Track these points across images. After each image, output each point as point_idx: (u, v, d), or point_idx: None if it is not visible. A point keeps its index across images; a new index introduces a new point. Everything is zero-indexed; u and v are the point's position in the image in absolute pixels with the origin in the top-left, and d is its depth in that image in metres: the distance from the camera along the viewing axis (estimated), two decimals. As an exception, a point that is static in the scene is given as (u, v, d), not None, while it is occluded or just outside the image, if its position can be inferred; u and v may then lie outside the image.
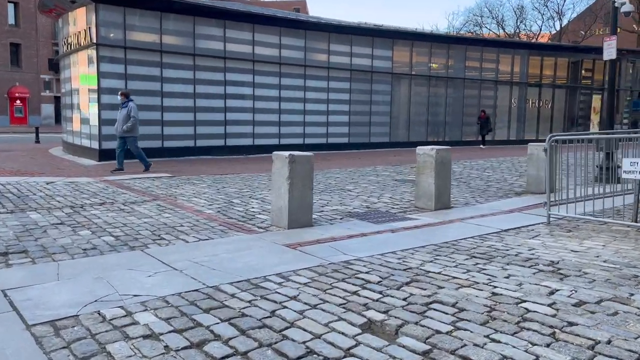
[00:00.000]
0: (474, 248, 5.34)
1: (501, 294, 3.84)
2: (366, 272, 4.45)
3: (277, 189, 6.40)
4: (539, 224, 6.68)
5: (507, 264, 4.69)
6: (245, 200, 8.35)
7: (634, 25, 58.10)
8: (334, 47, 20.48)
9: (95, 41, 15.38)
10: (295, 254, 5.06)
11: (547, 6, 60.50)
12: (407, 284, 4.12)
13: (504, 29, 58.94)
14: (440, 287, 4.02)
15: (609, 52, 11.03)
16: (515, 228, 6.39)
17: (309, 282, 4.17)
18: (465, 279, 4.23)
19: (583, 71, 30.36)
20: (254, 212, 7.35)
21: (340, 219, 6.99)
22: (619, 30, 46.76)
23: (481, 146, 23.46)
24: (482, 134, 23.62)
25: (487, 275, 4.35)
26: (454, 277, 4.28)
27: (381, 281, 4.20)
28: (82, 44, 16.35)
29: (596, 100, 31.54)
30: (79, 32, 16.57)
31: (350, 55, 20.90)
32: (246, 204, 7.99)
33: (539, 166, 9.43)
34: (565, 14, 64.88)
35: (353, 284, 4.12)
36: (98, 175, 11.25)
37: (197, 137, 17.31)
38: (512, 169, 13.89)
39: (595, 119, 31.76)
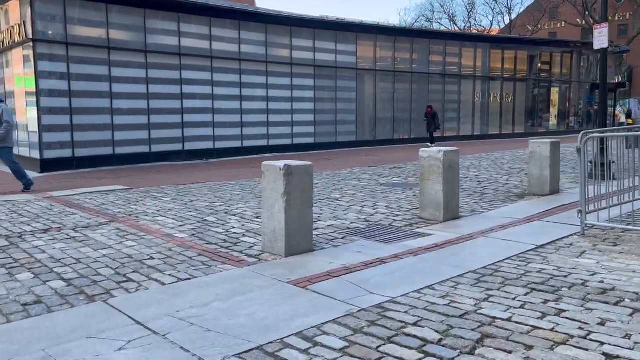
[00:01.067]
0: (523, 275, 4.34)
1: (618, 356, 2.83)
2: (414, 324, 3.35)
3: (270, 207, 5.23)
4: (572, 235, 5.78)
5: (584, 300, 3.70)
6: (222, 217, 7.10)
7: (578, 19, 59.78)
8: (297, 42, 19.32)
9: (31, 37, 13.63)
10: (309, 298, 3.91)
11: (496, 1, 61.05)
12: (479, 342, 3.06)
13: (455, 24, 59.31)
14: (528, 348, 2.97)
15: (600, 40, 10.37)
16: (550, 243, 5.45)
17: (345, 347, 3.04)
18: (551, 330, 3.20)
19: (541, 64, 30.42)
20: (236, 233, 6.13)
21: (342, 238, 5.88)
22: (563, 24, 47.35)
23: (428, 144, 20.81)
24: (430, 131, 21.33)
25: (574, 321, 3.34)
26: (535, 328, 3.24)
27: (442, 339, 3.11)
28: (16, 40, 14.53)
29: (554, 93, 31.72)
30: (13, 27, 14.73)
31: (313, 51, 19.79)
32: (224, 222, 6.75)
33: (542, 165, 8.61)
34: (514, 8, 65.98)
35: (408, 347, 3.02)
36: (40, 191, 9.68)
37: (152, 142, 15.78)
38: (496, 166, 13.15)
39: (553, 112, 31.94)
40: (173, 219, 6.97)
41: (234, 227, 6.45)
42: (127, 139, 15.29)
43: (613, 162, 8.53)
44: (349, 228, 6.38)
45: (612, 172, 7.96)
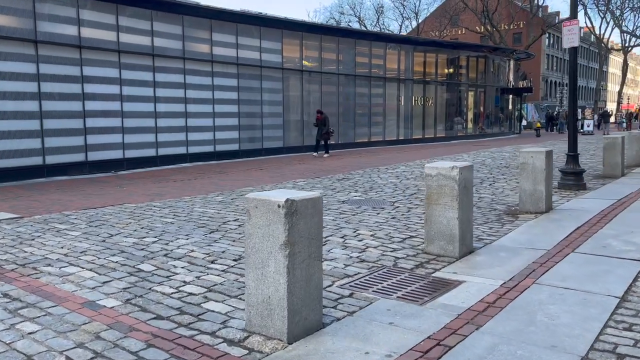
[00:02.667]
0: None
1: None
2: None
3: (260, 264, 3.40)
4: None
5: None
6: (162, 263, 5.10)
7: (477, 27, 62.36)
8: (218, 37, 17.26)
9: None
10: None
11: (404, 5, 62.05)
12: None
13: (365, 27, 59.39)
14: None
15: (570, 38, 9.52)
16: (629, 290, 4.12)
17: None
18: None
19: (460, 68, 30.52)
20: (193, 294, 4.21)
21: (350, 295, 4.17)
22: (464, 30, 49.00)
23: (320, 154, 18.62)
24: (319, 139, 18.46)
25: None
26: None
27: None
28: None
29: (470, 97, 32.02)
30: None
31: (236, 47, 17.82)
32: (169, 274, 4.77)
33: (536, 179, 7.44)
34: (421, 13, 67.56)
35: None
36: None
37: (46, 151, 13.02)
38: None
39: (469, 115, 32.23)
40: (91, 271, 4.86)
41: (185, 282, 4.50)
42: (13, 148, 12.45)
43: None
44: (348, 276, 4.68)
45: None
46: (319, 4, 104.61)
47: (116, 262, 5.13)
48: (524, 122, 47.08)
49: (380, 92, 24.51)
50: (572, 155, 9.77)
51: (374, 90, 24.06)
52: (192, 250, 5.54)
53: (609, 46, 73.07)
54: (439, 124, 28.54)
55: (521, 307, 3.83)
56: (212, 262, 5.12)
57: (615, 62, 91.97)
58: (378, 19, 57.47)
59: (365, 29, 55.55)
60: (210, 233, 6.36)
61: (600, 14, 66.37)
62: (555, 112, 43.47)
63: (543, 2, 74.63)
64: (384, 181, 11.17)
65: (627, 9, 65.46)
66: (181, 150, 16.32)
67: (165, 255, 5.39)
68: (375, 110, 24.17)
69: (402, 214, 7.46)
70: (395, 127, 25.47)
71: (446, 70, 29.26)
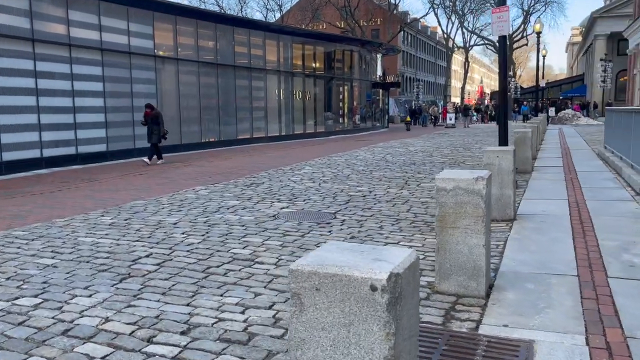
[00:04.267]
0: None
1: None
2: None
3: (329, 400, 1.76)
4: None
5: None
6: (62, 353, 3.13)
7: (338, 22, 63.33)
8: (76, 15, 14.37)
9: None
10: None
11: (267, -4, 60.60)
12: None
13: (228, 18, 56.95)
14: None
15: (500, 26, 8.89)
16: None
17: None
18: None
19: (335, 62, 30.02)
20: None
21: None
22: (325, 25, 49.35)
23: (146, 160, 14.22)
24: (153, 142, 14.18)
25: None
26: None
27: None
28: None
29: (346, 91, 31.75)
30: None
31: (99, 30, 15.03)
32: (85, 376, 2.84)
33: (503, 181, 6.53)
34: (285, 5, 66.65)
35: None
36: None
37: None
38: (365, 178, 10.95)
39: (345, 110, 31.95)
40: None
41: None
42: None
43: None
44: (373, 348, 3.16)
45: None
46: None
47: (-20, 359, 3.03)
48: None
49: (261, 85, 22.91)
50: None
51: (255, 83, 22.40)
52: (107, 319, 3.59)
53: (454, 45, 79.01)
54: (319, 119, 27.74)
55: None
56: (149, 340, 3.27)
57: (456, 60, 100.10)
58: (241, 8, 55.41)
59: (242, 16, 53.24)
60: (121, 281, 4.40)
61: (447, 14, 71.24)
62: (418, 106, 45.38)
63: (399, 1, 78.29)
64: (301, 186, 9.70)
65: (468, 11, 71.26)
66: (33, 153, 13.25)
67: (65, 333, 3.39)
68: (256, 104, 22.53)
69: (361, 232, 6.07)
70: (278, 123, 24.08)
71: (323, 64, 28.55)
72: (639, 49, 26.67)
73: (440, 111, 46.19)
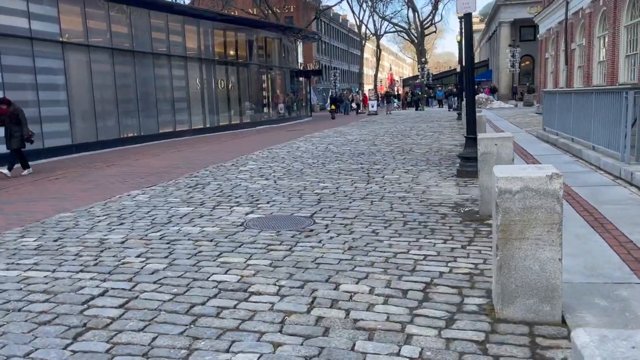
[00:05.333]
0: None
1: None
2: None
3: None
4: None
5: None
6: None
7: (251, 10, 61.52)
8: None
9: None
10: None
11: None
12: None
13: None
14: None
15: (465, 3, 8.25)
16: None
17: None
18: None
19: (258, 49, 28.70)
20: None
21: None
22: (237, 12, 47.47)
23: (7, 172, 10.79)
24: (13, 147, 11.02)
25: None
26: None
27: None
28: None
29: (269, 79, 30.53)
30: None
31: (-8, 10, 12.84)
32: None
33: (502, 172, 5.84)
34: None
35: None
36: None
37: None
38: (322, 172, 10.03)
39: (270, 99, 30.75)
40: None
41: None
42: None
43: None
44: None
45: None
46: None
47: None
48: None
49: (182, 74, 21.18)
50: (472, 138, 8.60)
51: (176, 72, 20.65)
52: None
53: (366, 33, 79.76)
54: (243, 109, 26.37)
55: None
56: None
57: (367, 48, 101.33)
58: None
59: None
60: (76, 339, 3.16)
61: (359, 2, 71.45)
62: (339, 94, 45.00)
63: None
64: (255, 184, 8.59)
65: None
66: None
67: None
68: (178, 95, 20.80)
69: (356, 240, 5.14)
70: (201, 114, 22.46)
71: (245, 51, 27.13)
72: (550, 34, 27.73)
73: (361, 98, 46.13)
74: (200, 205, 7.09)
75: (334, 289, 3.82)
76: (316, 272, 4.21)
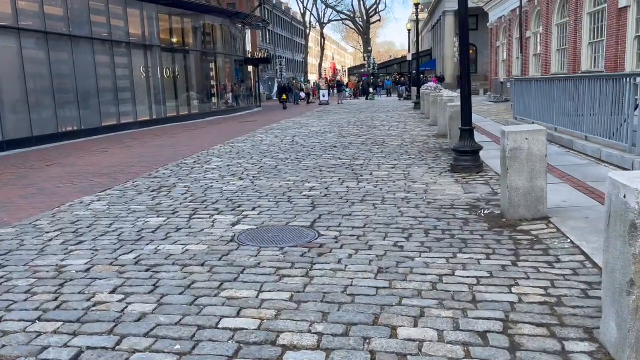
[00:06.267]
0: None
1: None
2: None
3: None
4: None
5: None
6: None
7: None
8: None
9: None
10: None
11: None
12: None
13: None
14: None
15: (461, -17, 7.48)
16: None
17: None
18: None
19: (205, 36, 27.13)
20: None
21: None
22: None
23: None
24: None
25: None
26: None
27: None
28: None
29: (217, 68, 28.98)
30: None
31: None
32: None
33: (534, 171, 5.12)
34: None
35: None
36: None
37: None
38: (300, 169, 9.08)
39: (219, 88, 29.24)
40: None
41: None
42: None
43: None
44: None
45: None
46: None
47: None
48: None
49: (125, 62, 19.47)
50: (468, 130, 7.90)
51: (119, 60, 18.94)
52: None
53: (311, 21, 78.79)
54: (191, 99, 24.83)
55: None
56: None
57: (310, 37, 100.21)
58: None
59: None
60: None
61: (302, -10, 70.14)
62: (288, 83, 43.81)
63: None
64: (230, 186, 7.53)
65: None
66: None
67: None
68: (122, 84, 19.11)
69: (380, 256, 4.25)
70: (147, 105, 20.81)
71: (192, 38, 25.52)
72: (502, 22, 27.77)
73: (311, 87, 45.16)
74: (173, 214, 5.99)
75: (392, 337, 2.92)
76: (355, 308, 3.29)
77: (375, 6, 69.25)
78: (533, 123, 12.22)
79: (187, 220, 5.67)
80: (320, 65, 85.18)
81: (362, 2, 68.54)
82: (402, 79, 53.30)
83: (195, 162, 10.10)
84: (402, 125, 16.11)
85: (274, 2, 78.75)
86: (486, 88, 42.62)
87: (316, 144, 12.07)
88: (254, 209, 6.09)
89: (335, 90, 39.28)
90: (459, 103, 11.33)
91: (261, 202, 6.43)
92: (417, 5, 26.87)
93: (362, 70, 72.60)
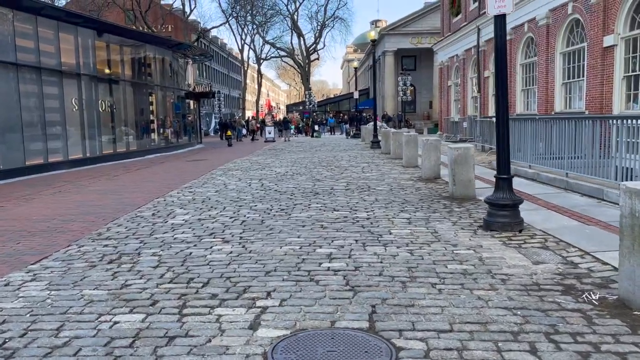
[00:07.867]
0: None
1: None
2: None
3: None
4: None
5: None
6: None
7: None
8: None
9: None
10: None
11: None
12: None
13: None
14: None
15: (499, 3, 6.25)
16: None
17: None
18: None
19: (145, 67, 25.00)
20: None
21: None
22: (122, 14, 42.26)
23: None
24: None
25: None
26: None
27: None
28: None
29: (157, 101, 26.76)
30: None
31: None
32: None
33: (672, 243, 3.71)
34: (57, 1, 56.46)
35: None
36: None
37: None
38: (292, 224, 7.35)
39: (157, 123, 26.95)
40: None
41: None
42: None
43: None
44: None
45: None
46: None
47: None
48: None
49: (55, 92, 17.06)
50: (507, 179, 6.53)
51: (48, 89, 16.52)
52: None
53: (249, 57, 77.72)
54: (129, 136, 22.47)
55: None
56: None
57: (247, 74, 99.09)
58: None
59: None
60: None
61: (240, 26, 69.11)
62: (229, 120, 41.91)
63: (194, 7, 73.75)
64: (217, 254, 5.68)
65: (262, 22, 69.85)
66: None
67: None
68: (51, 117, 16.65)
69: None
70: (80, 141, 18.32)
71: (132, 69, 23.32)
72: (453, 61, 27.63)
73: (255, 124, 43.44)
74: (152, 306, 4.09)
75: None
76: None
77: (314, 45, 69.22)
78: (530, 167, 11.22)
79: (177, 320, 3.80)
80: (257, 101, 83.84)
81: (302, 40, 68.26)
82: (345, 117, 52.94)
83: (153, 214, 8.11)
84: (373, 167, 14.75)
85: (210, 37, 77.16)
86: (430, 127, 42.77)
87: (293, 189, 10.38)
88: (268, 294, 4.30)
89: (281, 128, 37.76)
90: (464, 145, 10.13)
91: (273, 281, 4.65)
92: (373, 41, 26.14)
93: (301, 108, 71.90)
